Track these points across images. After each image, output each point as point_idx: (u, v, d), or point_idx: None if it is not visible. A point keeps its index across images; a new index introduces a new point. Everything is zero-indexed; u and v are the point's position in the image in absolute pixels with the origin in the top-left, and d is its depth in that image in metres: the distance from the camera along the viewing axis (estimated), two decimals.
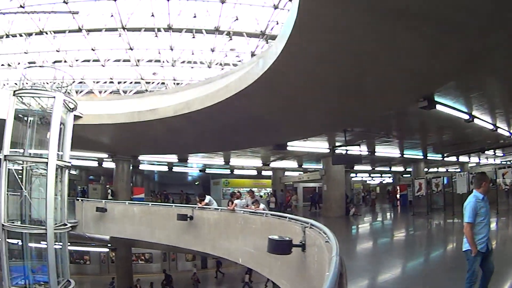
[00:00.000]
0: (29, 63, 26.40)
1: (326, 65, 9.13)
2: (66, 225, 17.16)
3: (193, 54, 26.14)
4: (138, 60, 23.84)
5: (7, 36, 24.89)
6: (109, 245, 26.87)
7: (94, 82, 25.72)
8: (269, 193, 31.63)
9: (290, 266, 9.02)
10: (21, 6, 21.71)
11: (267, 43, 24.05)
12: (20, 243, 16.97)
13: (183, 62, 26.80)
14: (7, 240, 16.00)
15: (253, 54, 24.59)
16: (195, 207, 15.71)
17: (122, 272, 25.17)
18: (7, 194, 15.99)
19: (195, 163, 30.20)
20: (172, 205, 18.70)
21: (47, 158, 15.52)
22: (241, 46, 26.16)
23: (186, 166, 32.62)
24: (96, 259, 30.68)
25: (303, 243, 7.79)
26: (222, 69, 26.26)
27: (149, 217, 18.29)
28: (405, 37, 7.49)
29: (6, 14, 22.79)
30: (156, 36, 24.79)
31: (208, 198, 15.78)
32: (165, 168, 31.27)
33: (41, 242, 16.73)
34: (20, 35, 24.88)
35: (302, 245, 7.79)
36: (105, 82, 27.84)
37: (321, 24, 7.26)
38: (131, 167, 25.44)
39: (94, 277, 27.29)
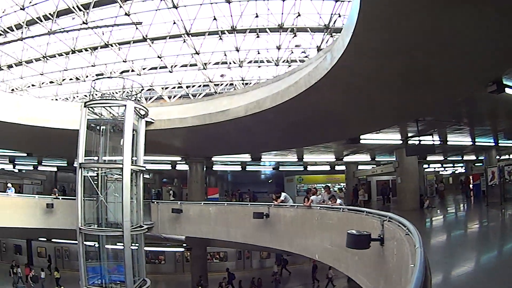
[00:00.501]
0: (97, 75, 28.08)
1: (393, 54, 8.98)
2: (142, 226, 18.03)
3: (259, 53, 26.48)
4: (205, 64, 24.55)
5: (73, 52, 26.64)
6: (184, 244, 27.69)
7: (162, 88, 26.80)
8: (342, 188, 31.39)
9: (367, 261, 8.98)
10: (84, 23, 23.02)
11: (331, 36, 23.90)
12: (96, 245, 18.01)
13: (250, 62, 27.20)
14: (84, 242, 17.04)
15: (319, 49, 24.50)
16: (271, 204, 15.91)
17: (197, 271, 25.91)
18: (84, 199, 17.07)
19: (268, 161, 30.45)
20: (248, 204, 19.09)
21: (122, 164, 16.30)
22: (306, 41, 26.17)
23: (259, 165, 32.99)
24: (171, 259, 31.55)
25: (381, 237, 7.76)
26: (289, 66, 26.35)
27: (225, 216, 18.78)
28: (471, 20, 7.27)
29: (70, 31, 24.38)
30: (221, 39, 25.41)
31: (283, 195, 15.94)
32: (239, 168, 31.78)
33: (117, 244, 17.63)
34: (86, 50, 26.51)
35: (381, 239, 7.75)
36: (174, 88, 28.89)
37: (385, 12, 7.19)
38: (204, 168, 25.94)
39: (169, 276, 28.20)
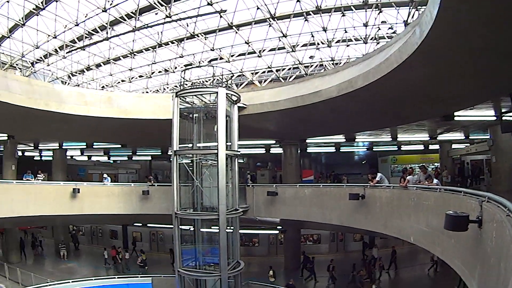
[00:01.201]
0: (185, 65, 29.66)
1: (483, 24, 8.62)
2: (237, 210, 18.97)
3: (346, 32, 26.38)
4: (294, 46, 24.93)
5: (160, 45, 28.34)
6: (279, 227, 28.66)
7: (252, 73, 27.61)
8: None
9: (463, 245, 8.87)
10: (167, 16, 24.23)
11: (417, 10, 23.31)
12: (191, 229, 19.50)
13: (338, 41, 27.18)
14: (180, 226, 18.44)
15: (406, 24, 23.99)
16: (367, 185, 16.08)
17: (291, 253, 26.87)
18: (179, 185, 18.42)
19: (362, 142, 30.36)
20: (343, 185, 19.31)
21: (217, 150, 17.28)
22: (392, 17, 25.73)
23: (353, 146, 32.94)
24: (264, 241, 32.60)
25: (479, 218, 7.55)
26: (378, 43, 25.98)
27: (320, 198, 19.12)
28: None
29: (154, 26, 25.93)
30: (306, 20, 25.49)
31: (379, 175, 16.07)
32: (332, 149, 31.89)
33: (212, 227, 19.02)
34: (172, 42, 28.06)
35: (479, 221, 7.55)
36: (264, 72, 29.67)
37: None
38: (298, 151, 26.35)
39: (262, 259, 28.97)
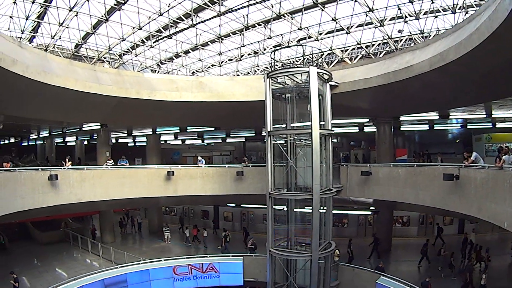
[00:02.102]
0: (274, 46, 30.26)
1: None
2: (331, 190, 19.34)
3: (433, 2, 25.66)
4: (381, 20, 24.65)
5: (247, 28, 29.05)
6: (371, 208, 28.95)
7: (342, 51, 27.66)
8: None
9: None
10: None
11: None
12: (284, 209, 20.20)
13: (425, 13, 26.54)
14: (274, 206, 19.16)
15: None
16: (461, 165, 15.59)
17: (382, 235, 26.81)
18: (274, 165, 19.12)
19: (455, 119, 29.43)
20: (437, 165, 18.59)
21: (310, 129, 17.71)
22: None
23: (446, 123, 32.02)
24: (354, 222, 32.89)
25: None
26: (466, 12, 25.10)
27: (414, 179, 18.77)
28: None
29: (238, 9, 26.54)
30: None
31: (474, 154, 15.50)
32: (426, 127, 31.15)
33: (305, 207, 19.50)
34: (259, 24, 28.71)
35: None
36: (353, 49, 29.61)
37: None
38: (392, 129, 26.11)
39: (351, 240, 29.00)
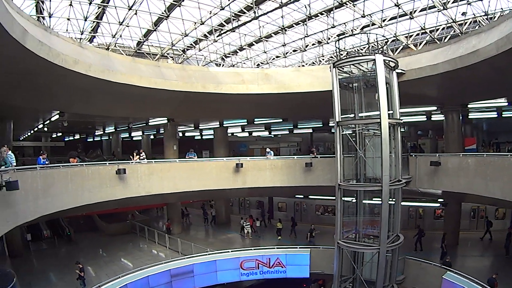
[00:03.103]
0: (338, 35, 30.39)
1: None
2: (400, 181, 19.35)
3: None
4: (444, 3, 24.21)
5: (309, 18, 29.36)
6: (439, 199, 28.52)
7: (406, 37, 27.37)
8: None
9: None
10: None
11: None
12: (353, 200, 20.36)
13: None
14: (343, 198, 19.52)
15: None
16: None
17: (450, 228, 26.41)
18: (343, 156, 19.49)
19: None
20: (508, 155, 18.11)
21: (379, 118, 17.84)
22: None
23: None
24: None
25: None
26: None
27: (483, 169, 18.37)
28: None
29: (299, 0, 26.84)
30: None
31: None
32: (494, 115, 29.85)
33: (373, 199, 19.64)
34: (321, 14, 28.94)
35: None
36: (417, 34, 29.20)
37: None
38: (460, 117, 25.53)
39: (413, 232, 28.22)
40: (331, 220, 31.21)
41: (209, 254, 25.13)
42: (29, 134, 43.98)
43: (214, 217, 38.04)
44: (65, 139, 55.33)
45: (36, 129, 37.93)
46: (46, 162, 17.18)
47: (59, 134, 50.92)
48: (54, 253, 29.05)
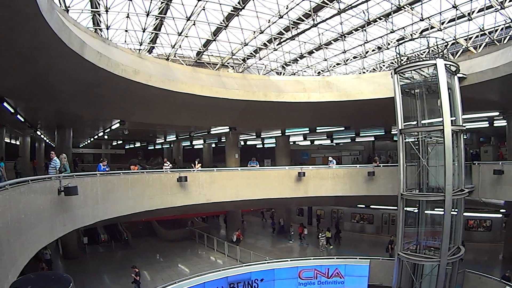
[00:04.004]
0: (398, 40, 30.26)
1: None
2: (463, 190, 18.97)
3: None
4: (501, 2, 23.63)
5: (368, 23, 29.41)
6: (502, 210, 27.76)
7: (465, 39, 26.86)
8: None
9: None
10: None
11: None
12: (415, 211, 20.07)
13: None
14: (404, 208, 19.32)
15: None
16: None
17: (510, 239, 25.62)
18: (405, 165, 19.36)
19: None
20: None
21: (442, 125, 17.66)
22: None
23: None
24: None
25: None
26: None
27: None
28: None
29: (358, 5, 26.88)
30: None
31: None
32: None
33: (435, 209, 19.43)
34: (380, 19, 28.93)
35: None
36: (477, 37, 28.57)
37: None
38: None
39: (481, 245, 28.12)
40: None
41: (267, 262, 25.40)
42: (89, 141, 46.25)
43: (283, 227, 38.19)
44: (126, 147, 57.62)
45: (96, 136, 39.83)
46: (107, 169, 17.99)
47: (120, 141, 53.14)
48: (110, 256, 30.44)
